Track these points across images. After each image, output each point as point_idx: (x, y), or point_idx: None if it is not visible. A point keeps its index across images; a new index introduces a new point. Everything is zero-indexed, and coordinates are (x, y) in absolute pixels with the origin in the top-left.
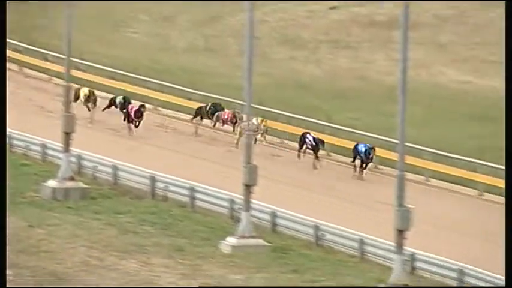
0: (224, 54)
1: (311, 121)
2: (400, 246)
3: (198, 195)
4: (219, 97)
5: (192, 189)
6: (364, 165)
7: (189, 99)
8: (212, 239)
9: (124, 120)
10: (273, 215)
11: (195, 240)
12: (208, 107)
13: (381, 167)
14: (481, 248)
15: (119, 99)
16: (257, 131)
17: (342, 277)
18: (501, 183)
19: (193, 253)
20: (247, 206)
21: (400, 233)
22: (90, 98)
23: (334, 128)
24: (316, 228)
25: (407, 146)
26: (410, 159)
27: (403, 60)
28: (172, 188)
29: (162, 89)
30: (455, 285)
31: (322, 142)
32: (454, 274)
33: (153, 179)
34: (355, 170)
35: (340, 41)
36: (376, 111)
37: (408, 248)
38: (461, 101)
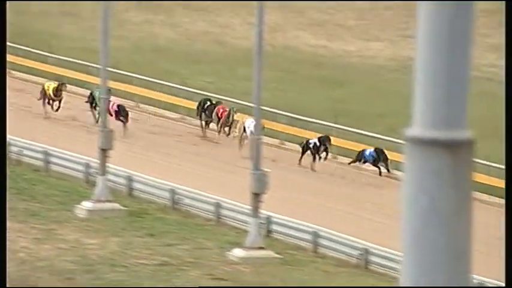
0: (80, 18)
1: (166, 85)
2: (256, 210)
3: (53, 159)
4: (76, 61)
5: (46, 153)
6: (379, 168)
7: (45, 62)
8: (67, 203)
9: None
10: (129, 179)
11: (50, 205)
12: (205, 104)
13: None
14: (336, 210)
15: (97, 94)
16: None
17: (198, 240)
18: (354, 146)
19: (48, 217)
20: (103, 170)
21: (256, 196)
22: (59, 93)
23: (189, 91)
24: (173, 192)
25: (263, 109)
26: (266, 123)
27: (259, 24)
28: (26, 152)
29: (17, 52)
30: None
31: (329, 141)
32: (309, 236)
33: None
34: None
35: (197, 5)
36: (233, 75)
37: (264, 211)
38: (316, 65)
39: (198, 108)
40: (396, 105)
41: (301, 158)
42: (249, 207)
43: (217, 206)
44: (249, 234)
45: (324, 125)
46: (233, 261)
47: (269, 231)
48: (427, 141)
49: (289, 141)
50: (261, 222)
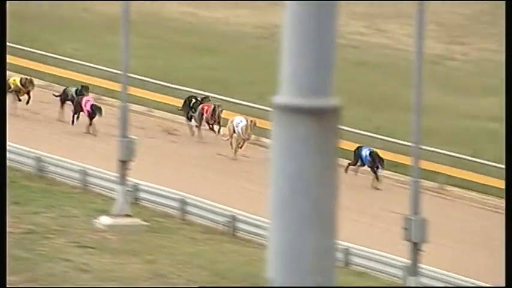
0: None
1: (34, 52)
2: (123, 177)
3: None
4: None
5: None
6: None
7: None
8: None
9: (75, 114)
10: None
11: None
12: (193, 101)
13: (105, 98)
14: (204, 177)
15: (72, 90)
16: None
17: (64, 208)
18: (223, 114)
19: None
20: None
21: (123, 163)
22: (25, 88)
23: (56, 58)
24: (38, 159)
25: (130, 76)
26: (133, 90)
27: None
28: None
29: None
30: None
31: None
32: (176, 204)
33: None
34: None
35: None
36: (100, 42)
37: (131, 179)
38: (185, 32)
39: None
40: (264, 73)
41: None
42: (116, 174)
43: (84, 173)
44: (116, 201)
45: (192, 92)
46: (100, 229)
47: (136, 199)
48: (294, 108)
49: (157, 109)
50: (128, 190)
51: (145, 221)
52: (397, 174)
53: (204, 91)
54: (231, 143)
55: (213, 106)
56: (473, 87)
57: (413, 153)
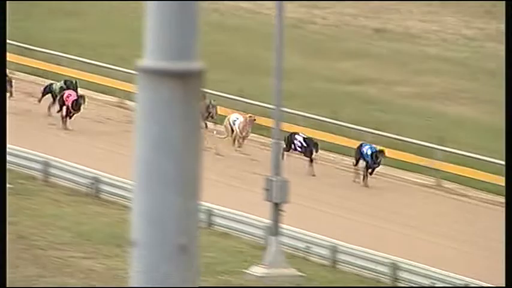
0: None
1: None
2: None
3: None
4: None
5: None
6: (370, 170)
7: None
8: None
9: (58, 111)
10: None
11: None
12: None
13: None
14: (68, 140)
15: (57, 85)
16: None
17: None
18: (85, 76)
19: None
20: None
21: None
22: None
23: None
24: None
25: None
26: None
27: None
28: None
29: None
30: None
31: (315, 144)
32: (39, 166)
33: None
34: (357, 176)
35: None
36: None
37: None
38: None
39: None
40: (127, 36)
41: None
42: None
43: None
44: None
45: (53, 54)
46: None
47: None
48: (158, 71)
49: (18, 71)
50: None
51: (8, 183)
52: (262, 136)
53: (66, 53)
54: (234, 141)
55: (208, 102)
56: (333, 51)
57: (274, 115)
